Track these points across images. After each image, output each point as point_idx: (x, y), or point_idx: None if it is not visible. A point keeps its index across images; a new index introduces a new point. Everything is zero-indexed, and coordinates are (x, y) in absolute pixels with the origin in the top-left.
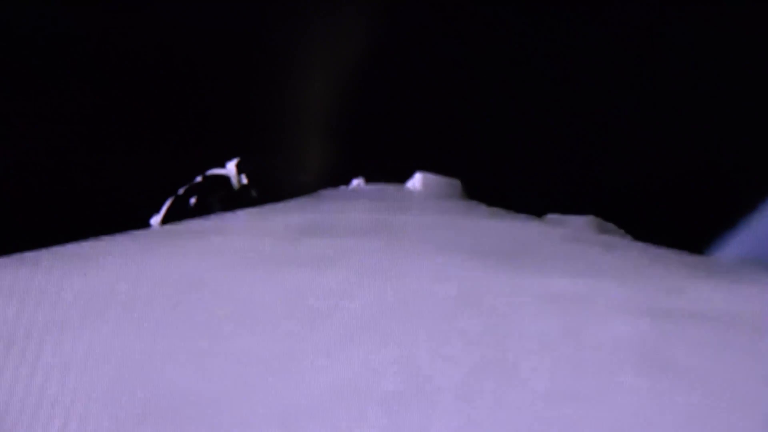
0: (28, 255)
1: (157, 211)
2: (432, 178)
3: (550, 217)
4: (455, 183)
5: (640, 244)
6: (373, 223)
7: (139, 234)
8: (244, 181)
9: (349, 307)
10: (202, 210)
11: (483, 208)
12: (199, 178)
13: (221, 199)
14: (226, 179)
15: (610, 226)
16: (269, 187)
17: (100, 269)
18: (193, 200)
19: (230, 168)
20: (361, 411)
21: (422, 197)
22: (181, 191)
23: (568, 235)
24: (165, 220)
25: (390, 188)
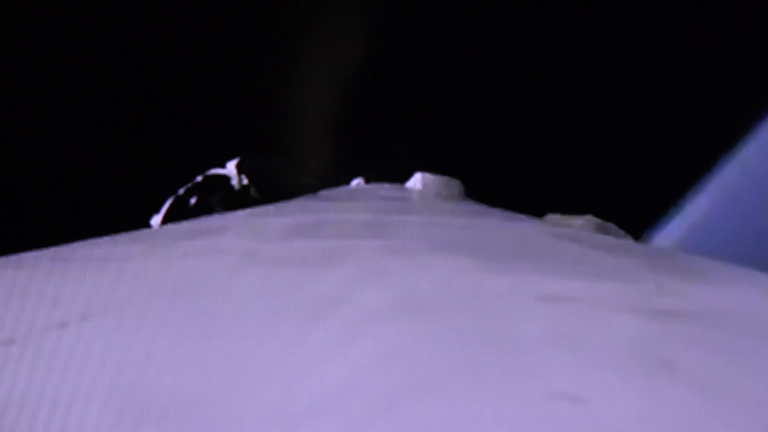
0: (28, 255)
1: (157, 211)
2: (432, 178)
3: (550, 217)
4: (455, 183)
5: (639, 244)
6: (373, 223)
7: (139, 234)
8: (244, 181)
9: (347, 307)
10: (202, 210)
11: (483, 208)
12: (199, 178)
13: (221, 199)
14: (226, 179)
15: (610, 226)
16: (269, 187)
17: (100, 269)
18: (193, 200)
19: (230, 168)
20: (360, 411)
21: (422, 197)
22: (181, 191)
23: (568, 235)
24: (165, 220)
25: (390, 188)
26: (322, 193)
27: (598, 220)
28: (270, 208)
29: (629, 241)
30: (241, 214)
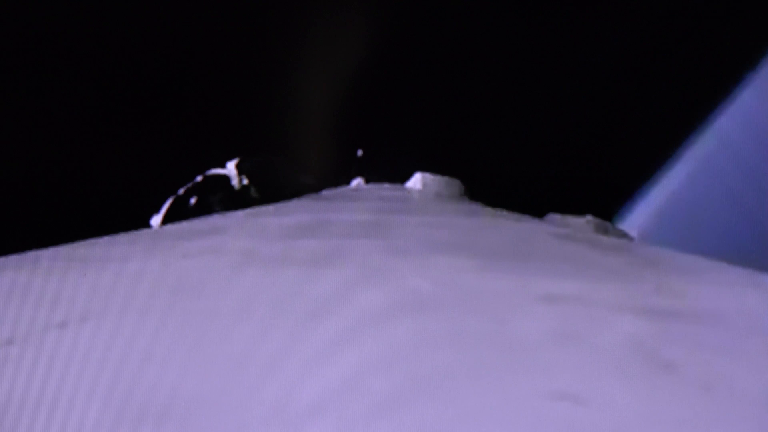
0: (28, 255)
1: (157, 211)
2: (432, 178)
3: (550, 217)
4: (455, 183)
5: (639, 244)
6: (373, 223)
7: (139, 234)
8: (244, 181)
9: (347, 307)
10: (202, 210)
11: (483, 208)
12: (199, 178)
13: (221, 199)
14: (226, 179)
15: (610, 225)
16: (269, 187)
17: (100, 269)
18: (193, 200)
19: (230, 168)
20: (360, 410)
21: (422, 197)
22: (181, 191)
23: (568, 235)
24: (165, 220)
25: (390, 188)
26: (323, 193)
27: (597, 220)
28: (270, 208)
29: (629, 242)
30: (241, 214)
